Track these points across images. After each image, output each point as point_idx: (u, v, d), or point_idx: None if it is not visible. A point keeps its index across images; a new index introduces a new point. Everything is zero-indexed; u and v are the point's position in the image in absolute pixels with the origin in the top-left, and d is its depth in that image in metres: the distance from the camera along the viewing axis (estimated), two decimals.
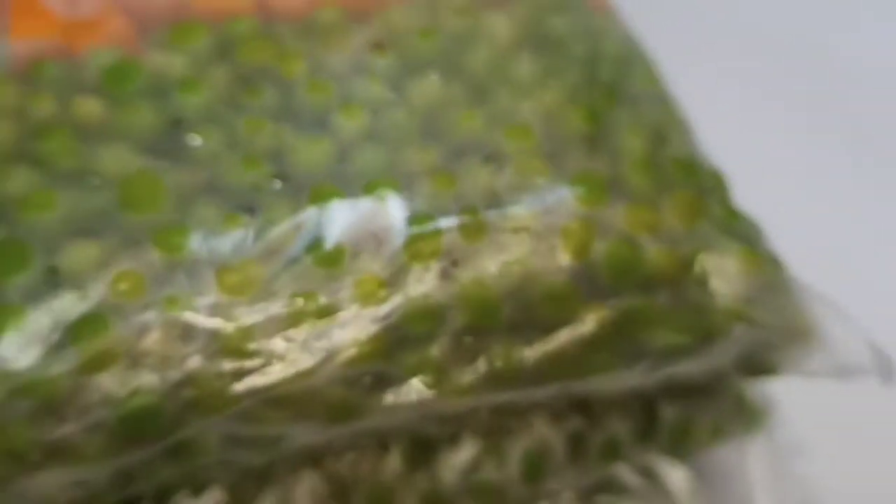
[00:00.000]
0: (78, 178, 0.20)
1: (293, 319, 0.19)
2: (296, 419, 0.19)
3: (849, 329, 0.23)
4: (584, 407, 0.25)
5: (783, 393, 0.28)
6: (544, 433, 0.24)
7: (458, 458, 0.24)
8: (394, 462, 0.23)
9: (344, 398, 0.20)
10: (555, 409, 0.24)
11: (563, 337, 0.21)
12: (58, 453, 0.18)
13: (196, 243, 0.19)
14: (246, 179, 0.20)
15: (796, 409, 0.28)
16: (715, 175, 0.24)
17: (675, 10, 0.43)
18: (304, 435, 0.20)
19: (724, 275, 0.22)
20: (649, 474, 0.26)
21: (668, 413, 0.26)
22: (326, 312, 0.19)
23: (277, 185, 0.21)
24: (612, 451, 0.25)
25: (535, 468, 0.24)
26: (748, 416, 0.27)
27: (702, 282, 0.22)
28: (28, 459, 0.18)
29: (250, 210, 0.20)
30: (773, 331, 0.23)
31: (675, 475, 0.27)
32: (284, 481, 0.22)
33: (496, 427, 0.24)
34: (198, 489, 0.22)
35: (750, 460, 0.28)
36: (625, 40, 0.26)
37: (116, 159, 0.20)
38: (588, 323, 0.21)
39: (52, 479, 0.19)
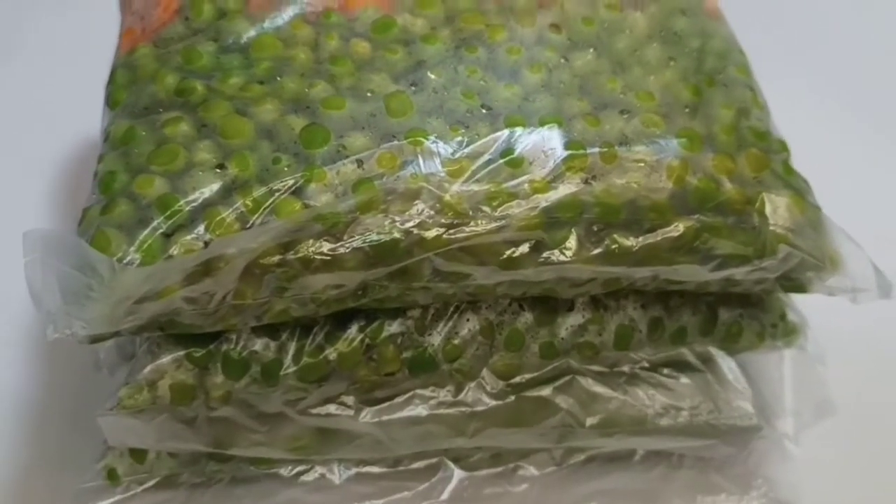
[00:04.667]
0: (356, 92, 0.27)
1: (488, 197, 0.26)
2: (480, 264, 0.27)
3: (861, 257, 0.28)
4: (665, 300, 0.31)
5: (813, 316, 0.33)
6: (633, 315, 0.31)
7: (571, 321, 0.30)
8: (527, 317, 0.30)
9: (512, 253, 0.27)
10: (643, 298, 0.31)
11: (659, 235, 0.27)
12: (330, 264, 0.26)
13: (430, 142, 0.26)
14: (463, 106, 0.28)
15: (822, 329, 0.34)
16: (780, 142, 0.30)
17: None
18: (483, 276, 0.27)
19: (777, 211, 0.28)
20: (706, 360, 0.33)
21: (726, 316, 0.32)
22: (510, 196, 0.26)
23: (483, 112, 0.28)
24: (681, 338, 0.32)
25: (623, 339, 0.31)
26: (787, 330, 0.33)
27: (761, 213, 0.28)
28: (311, 265, 0.26)
29: (465, 126, 0.27)
30: (807, 254, 0.28)
31: (726, 364, 0.33)
32: (452, 318, 0.30)
33: (601, 304, 0.31)
34: (397, 314, 0.29)
35: (784, 364, 0.34)
36: (727, 40, 0.32)
37: (381, 82, 0.28)
38: (678, 229, 0.27)
39: (322, 280, 0.26)
